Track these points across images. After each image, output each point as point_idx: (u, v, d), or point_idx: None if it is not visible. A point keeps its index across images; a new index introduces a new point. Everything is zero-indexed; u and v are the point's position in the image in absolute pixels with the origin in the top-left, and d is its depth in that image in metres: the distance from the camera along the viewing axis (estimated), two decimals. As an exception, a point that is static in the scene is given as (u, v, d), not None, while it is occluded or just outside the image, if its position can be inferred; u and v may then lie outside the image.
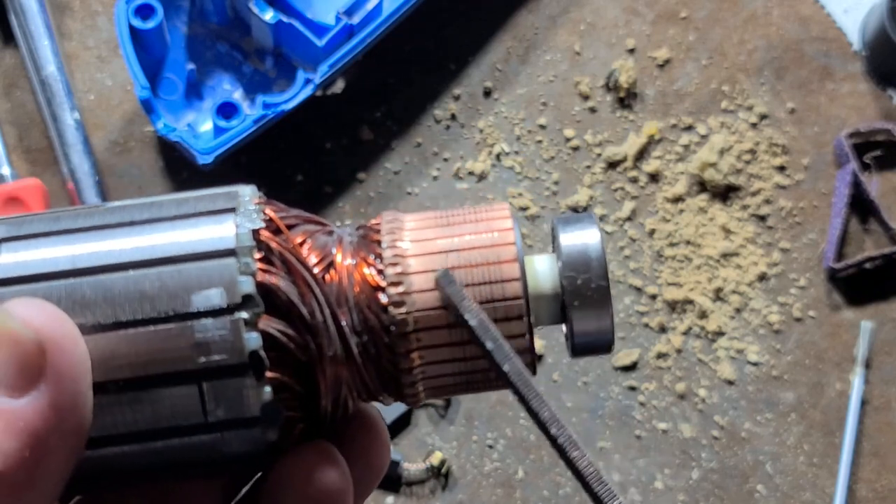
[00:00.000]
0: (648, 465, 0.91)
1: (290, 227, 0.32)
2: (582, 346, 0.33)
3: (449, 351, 0.32)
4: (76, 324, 0.28)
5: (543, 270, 0.33)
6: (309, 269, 0.31)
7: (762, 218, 0.97)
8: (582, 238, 0.32)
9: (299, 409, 0.31)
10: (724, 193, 0.98)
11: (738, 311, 0.95)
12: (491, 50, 1.02)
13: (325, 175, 0.97)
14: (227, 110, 0.90)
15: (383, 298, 0.31)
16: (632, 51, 1.02)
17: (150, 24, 0.89)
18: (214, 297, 0.29)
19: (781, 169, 0.99)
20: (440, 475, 0.90)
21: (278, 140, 0.96)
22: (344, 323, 0.31)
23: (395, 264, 0.32)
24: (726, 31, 1.03)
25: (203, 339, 0.29)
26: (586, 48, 1.02)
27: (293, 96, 0.89)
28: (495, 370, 0.31)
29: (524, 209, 0.97)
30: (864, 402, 0.93)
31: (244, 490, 0.36)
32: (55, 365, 0.26)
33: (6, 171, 0.93)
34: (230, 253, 0.30)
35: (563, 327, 0.34)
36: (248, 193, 0.32)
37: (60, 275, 0.30)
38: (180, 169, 0.96)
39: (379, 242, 0.32)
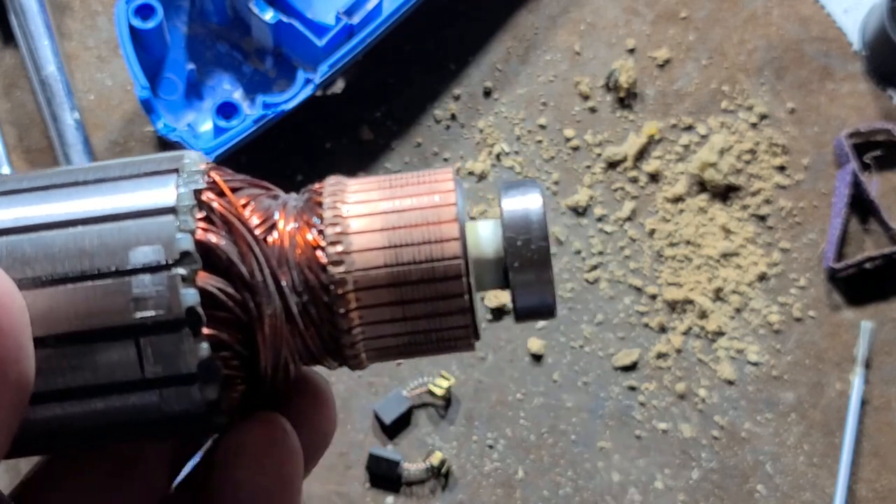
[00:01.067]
0: (648, 465, 0.91)
1: (235, 189, 0.33)
2: (524, 310, 0.34)
3: (389, 311, 0.32)
4: (15, 279, 0.29)
5: (487, 235, 0.33)
6: (250, 230, 0.31)
7: (762, 218, 0.97)
8: (523, 202, 0.33)
9: (240, 369, 0.32)
10: (724, 193, 0.98)
11: (738, 311, 0.95)
12: (491, 50, 1.02)
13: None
14: (227, 110, 0.90)
15: (323, 258, 0.32)
16: (632, 51, 1.02)
17: (150, 24, 0.89)
18: (152, 253, 0.30)
19: (781, 169, 0.99)
20: (440, 475, 0.90)
21: (278, 140, 0.96)
22: (284, 283, 0.32)
23: (335, 224, 0.32)
24: (726, 31, 1.03)
25: (140, 295, 0.30)
26: (586, 48, 1.02)
27: (293, 96, 0.89)
28: None
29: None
30: (864, 402, 0.93)
31: (193, 462, 0.36)
32: None
33: (6, 170, 0.93)
34: (170, 211, 0.31)
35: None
36: (193, 157, 0.33)
37: (2, 232, 0.30)
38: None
39: (321, 205, 0.33)
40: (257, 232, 0.32)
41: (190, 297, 0.30)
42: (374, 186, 0.33)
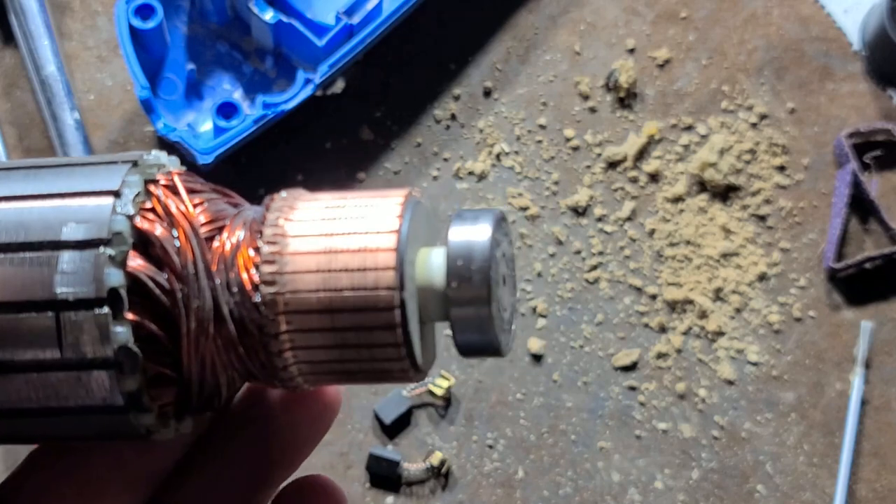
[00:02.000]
0: (648, 465, 0.91)
1: (193, 191, 0.32)
2: (464, 346, 0.32)
3: (320, 336, 0.31)
4: None
5: (437, 263, 0.32)
6: (193, 226, 0.31)
7: (762, 218, 0.97)
8: (470, 233, 0.32)
9: (170, 369, 0.31)
10: (724, 193, 0.98)
11: (738, 311, 0.95)
12: (491, 50, 1.02)
13: (325, 175, 0.98)
14: (227, 110, 0.90)
15: (256, 277, 0.31)
16: (632, 51, 1.02)
17: (150, 24, 0.89)
18: (83, 230, 0.30)
19: (781, 169, 0.99)
20: (440, 475, 0.90)
21: (278, 140, 0.96)
22: (218, 281, 0.31)
23: (272, 242, 0.31)
24: (726, 31, 1.03)
25: (66, 270, 0.30)
26: (586, 48, 1.02)
27: (293, 96, 0.89)
28: None
29: (524, 209, 0.97)
30: (864, 402, 0.93)
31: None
32: None
33: (6, 171, 0.93)
34: (112, 194, 0.31)
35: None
36: (160, 156, 0.33)
37: None
38: (180, 169, 0.96)
39: (266, 220, 0.32)
40: (203, 230, 0.31)
41: (114, 276, 0.30)
42: (321, 206, 0.33)
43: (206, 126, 0.93)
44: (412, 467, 0.90)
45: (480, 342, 0.32)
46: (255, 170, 0.97)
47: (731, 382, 0.93)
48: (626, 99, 1.00)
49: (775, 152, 0.99)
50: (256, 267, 0.31)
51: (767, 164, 0.99)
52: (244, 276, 0.31)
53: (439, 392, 0.91)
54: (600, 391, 0.93)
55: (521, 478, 0.91)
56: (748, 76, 1.02)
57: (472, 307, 0.31)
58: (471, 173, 0.98)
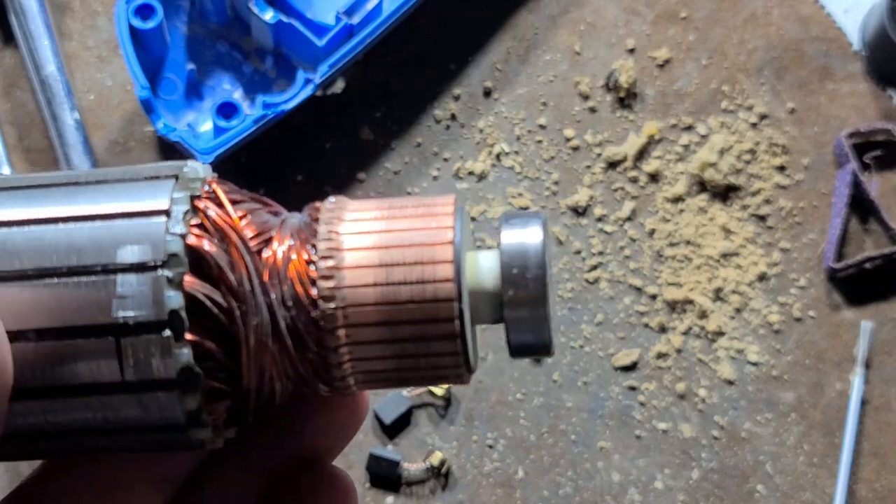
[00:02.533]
0: (648, 465, 0.91)
1: (235, 202, 0.32)
2: (518, 346, 0.33)
3: (376, 331, 0.31)
4: (2, 271, 0.29)
5: (487, 266, 0.33)
6: (244, 240, 0.31)
7: (762, 218, 0.97)
8: (522, 235, 0.32)
9: (226, 383, 0.31)
10: (724, 193, 0.98)
11: (738, 311, 0.95)
12: (491, 50, 1.02)
13: (325, 175, 0.97)
14: (227, 110, 0.90)
15: (314, 272, 0.31)
16: (632, 51, 1.02)
17: (150, 24, 0.89)
18: (139, 252, 0.30)
19: (781, 169, 0.99)
20: (440, 475, 0.90)
21: (278, 140, 0.96)
22: (273, 296, 0.31)
23: (328, 239, 0.32)
24: (726, 31, 1.03)
25: (124, 294, 0.29)
26: (586, 48, 1.02)
27: (293, 96, 0.89)
28: None
29: (524, 209, 0.97)
30: (864, 402, 0.93)
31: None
32: None
33: (6, 171, 0.93)
34: (163, 213, 0.30)
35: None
36: (195, 166, 0.32)
37: None
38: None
39: (318, 221, 0.32)
40: (252, 244, 0.31)
41: (174, 299, 0.29)
42: (372, 207, 0.33)
43: (206, 126, 0.93)
44: (412, 467, 0.90)
45: (535, 343, 0.32)
46: (255, 170, 0.97)
47: (731, 382, 0.93)
48: (626, 99, 1.00)
49: (775, 152, 0.99)
50: (313, 282, 0.31)
51: (767, 164, 0.99)
52: (299, 289, 0.31)
53: (439, 392, 0.91)
54: (600, 391, 0.93)
55: (521, 478, 0.91)
56: (748, 76, 1.02)
57: (528, 309, 0.32)
58: (471, 173, 0.98)
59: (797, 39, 1.03)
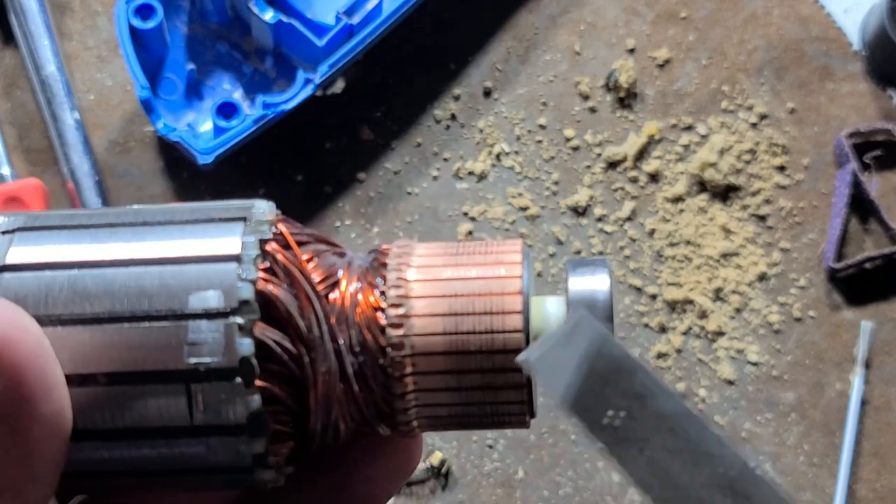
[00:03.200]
0: (648, 465, 0.91)
1: (301, 244, 0.32)
2: None
3: (444, 379, 0.32)
4: (74, 314, 0.29)
5: (553, 312, 0.33)
6: (312, 284, 0.31)
7: (762, 218, 0.97)
8: (591, 283, 0.32)
9: (290, 425, 0.31)
10: (724, 193, 0.98)
11: (738, 311, 0.95)
12: (491, 50, 1.02)
13: (325, 175, 0.97)
14: (227, 110, 0.90)
15: (383, 319, 0.31)
16: (632, 51, 1.02)
17: (150, 24, 0.89)
18: (211, 299, 0.30)
19: (781, 169, 0.99)
20: (440, 475, 0.90)
21: (278, 140, 0.96)
22: (341, 341, 0.31)
23: (397, 286, 0.32)
24: (726, 31, 1.03)
25: (195, 340, 0.29)
26: (586, 48, 1.02)
27: (293, 96, 0.89)
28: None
29: (524, 209, 0.97)
30: (864, 402, 0.93)
31: None
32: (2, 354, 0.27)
33: (6, 171, 0.93)
34: (233, 259, 0.30)
35: None
36: (263, 207, 0.32)
37: (65, 265, 0.30)
38: (180, 169, 0.96)
39: (385, 266, 0.32)
40: (319, 288, 0.31)
41: (245, 346, 0.29)
42: (439, 252, 0.33)
43: (206, 126, 0.93)
44: (412, 467, 0.90)
45: None
46: (255, 170, 0.97)
47: (731, 382, 0.93)
48: (626, 99, 1.00)
49: (775, 152, 0.99)
50: (382, 330, 0.31)
51: (767, 164, 0.99)
52: (368, 336, 0.31)
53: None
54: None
55: (521, 478, 0.91)
56: (748, 76, 1.02)
57: None
58: (471, 173, 0.98)
59: (797, 39, 1.03)
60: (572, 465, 0.91)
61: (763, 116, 1.00)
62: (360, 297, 0.32)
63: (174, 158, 0.96)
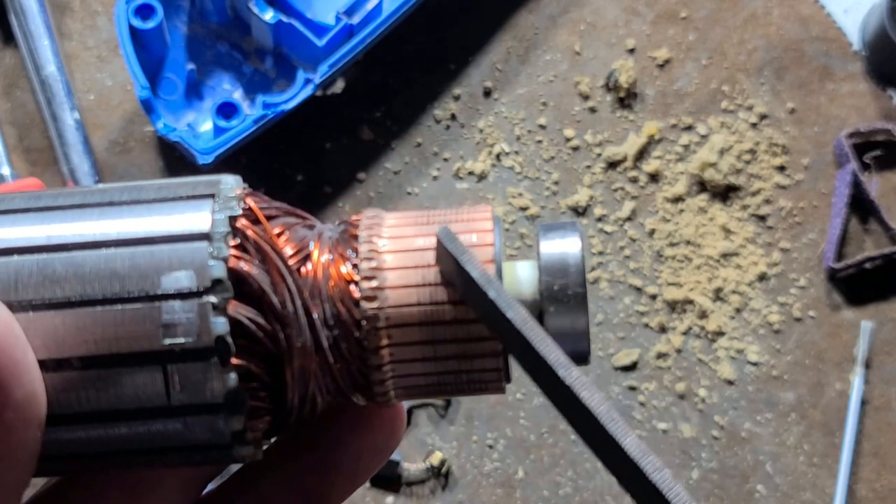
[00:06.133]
0: (648, 465, 0.91)
1: (270, 218, 0.32)
2: None
3: (420, 349, 0.31)
4: (45, 299, 0.29)
5: (525, 276, 0.32)
6: (284, 260, 0.31)
7: (762, 218, 0.97)
8: (562, 246, 0.32)
9: (267, 401, 0.31)
10: (724, 193, 0.98)
11: (738, 311, 0.95)
12: (491, 50, 1.02)
13: (325, 175, 0.97)
14: (227, 110, 0.90)
15: (356, 292, 0.31)
16: (632, 51, 1.02)
17: (150, 24, 0.89)
18: (183, 279, 0.29)
19: (781, 169, 0.99)
20: (440, 475, 0.90)
21: (278, 140, 0.96)
22: (315, 315, 0.31)
23: (370, 259, 0.31)
24: (726, 31, 1.03)
25: (169, 321, 0.29)
26: (586, 48, 1.02)
27: (293, 96, 0.89)
28: (497, 324, 0.30)
29: (524, 209, 0.97)
30: (864, 402, 0.93)
31: (210, 487, 0.36)
32: None
33: (6, 171, 0.93)
34: (204, 237, 0.30)
35: None
36: (230, 182, 0.32)
37: (34, 249, 0.30)
38: (180, 169, 0.96)
39: (357, 238, 0.32)
40: (291, 262, 0.31)
41: (220, 325, 0.29)
42: (410, 221, 0.33)
43: (206, 126, 0.93)
44: (412, 467, 0.90)
45: (574, 353, 0.32)
46: (256, 170, 0.97)
47: (731, 382, 0.93)
48: (626, 99, 1.00)
49: (775, 152, 0.99)
50: (356, 303, 0.31)
51: (767, 164, 0.99)
52: (342, 309, 0.31)
53: (439, 392, 0.91)
54: (600, 391, 0.93)
55: (521, 478, 0.91)
56: (748, 76, 1.02)
57: (570, 321, 0.32)
58: (471, 173, 0.98)
59: (797, 39, 1.03)
60: (572, 465, 0.91)
61: (763, 116, 1.00)
62: (332, 269, 0.32)
63: (174, 158, 0.96)
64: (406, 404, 0.90)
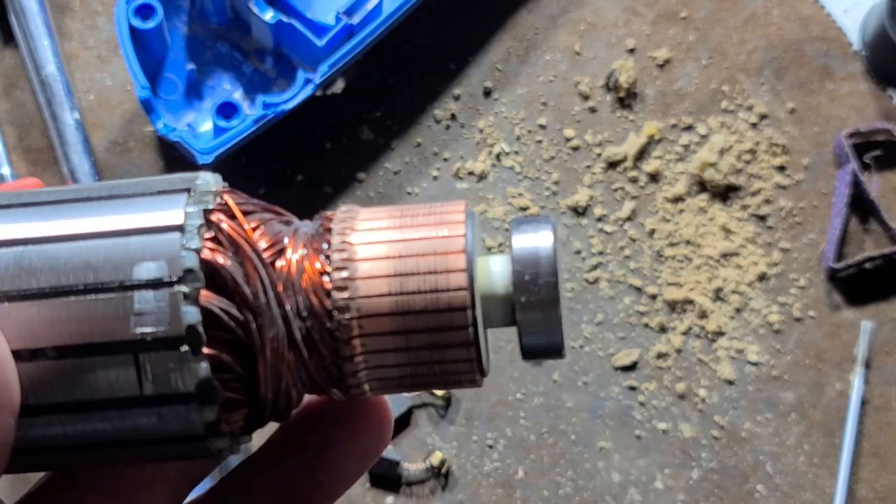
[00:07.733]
0: (648, 465, 0.91)
1: (247, 213, 0.32)
2: (530, 349, 0.33)
3: (392, 340, 0.32)
4: (21, 290, 0.30)
5: (498, 271, 0.33)
6: (257, 252, 0.31)
7: (762, 218, 0.97)
8: (534, 240, 0.33)
9: (242, 393, 0.32)
10: (724, 193, 0.98)
11: (738, 311, 0.95)
12: (491, 50, 1.02)
13: (325, 175, 0.97)
14: (227, 110, 0.90)
15: (328, 284, 0.32)
16: (632, 51, 1.02)
17: (150, 24, 0.89)
18: (155, 269, 0.30)
19: (781, 169, 0.99)
20: (440, 475, 0.90)
21: (278, 140, 0.96)
22: (288, 307, 0.31)
23: (341, 250, 0.32)
24: (726, 31, 1.03)
25: (141, 310, 0.30)
26: (586, 48, 1.02)
27: (293, 96, 0.89)
28: None
29: (524, 209, 0.97)
30: (864, 402, 0.93)
31: (199, 490, 0.36)
32: None
33: (6, 171, 0.93)
34: (177, 229, 0.31)
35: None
36: (208, 178, 0.32)
37: (11, 242, 0.31)
38: (180, 169, 0.96)
39: (330, 231, 0.33)
40: (265, 255, 0.32)
41: (191, 314, 0.30)
42: (384, 216, 0.33)
43: (206, 126, 0.93)
44: (412, 467, 0.90)
45: (547, 345, 0.33)
46: (255, 170, 0.97)
47: (731, 382, 0.93)
48: (626, 99, 1.00)
49: (775, 152, 0.99)
50: (328, 293, 0.31)
51: (767, 164, 0.99)
52: (314, 300, 0.31)
53: (439, 392, 0.91)
54: (600, 391, 0.93)
55: (521, 478, 0.91)
56: (748, 76, 1.02)
57: (541, 313, 0.32)
58: (471, 173, 0.98)
59: (797, 39, 1.03)
60: (572, 465, 0.91)
61: (763, 116, 1.00)
62: (305, 263, 0.32)
63: (174, 158, 0.96)
64: (406, 404, 0.91)
